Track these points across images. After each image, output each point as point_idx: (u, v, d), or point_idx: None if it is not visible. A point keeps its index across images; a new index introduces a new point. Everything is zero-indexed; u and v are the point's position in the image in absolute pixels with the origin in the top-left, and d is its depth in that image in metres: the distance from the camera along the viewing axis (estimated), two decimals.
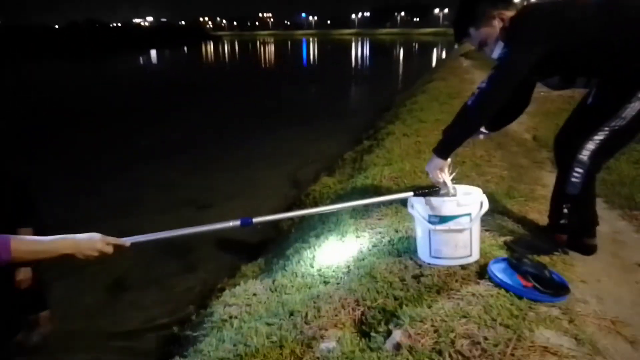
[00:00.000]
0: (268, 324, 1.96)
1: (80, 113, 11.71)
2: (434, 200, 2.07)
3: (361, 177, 3.85)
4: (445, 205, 2.04)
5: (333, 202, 3.88)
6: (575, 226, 2.23)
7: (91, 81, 21.10)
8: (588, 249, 2.27)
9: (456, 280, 1.99)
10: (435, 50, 36.35)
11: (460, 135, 2.14)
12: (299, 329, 1.86)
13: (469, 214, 2.04)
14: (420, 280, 2.03)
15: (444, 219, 2.04)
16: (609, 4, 2.04)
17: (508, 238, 2.40)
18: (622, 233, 2.61)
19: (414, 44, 58.61)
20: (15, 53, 37.99)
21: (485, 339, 1.60)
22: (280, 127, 9.46)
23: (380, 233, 2.61)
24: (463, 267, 2.10)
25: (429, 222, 2.07)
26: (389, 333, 1.73)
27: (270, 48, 59.27)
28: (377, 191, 3.39)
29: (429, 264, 2.15)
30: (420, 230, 2.17)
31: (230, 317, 2.21)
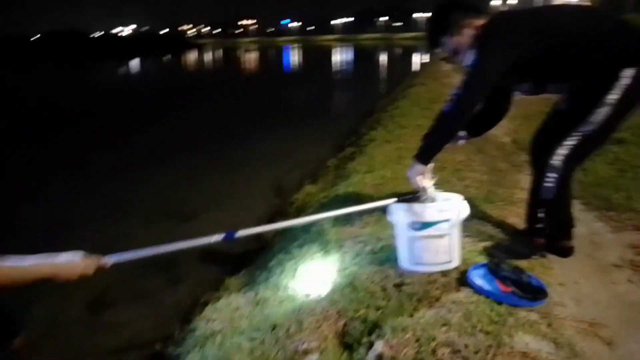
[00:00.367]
0: (250, 339, 1.95)
1: (56, 124, 11.59)
2: (414, 206, 2.09)
3: (343, 185, 3.86)
4: (425, 211, 2.06)
5: (316, 211, 3.88)
6: (551, 229, 2.27)
7: (65, 94, 20.88)
8: (565, 252, 2.31)
9: (437, 288, 2.01)
10: (416, 54, 36.63)
11: (439, 141, 2.16)
12: (282, 344, 1.85)
13: (449, 220, 2.06)
14: (402, 288, 2.04)
15: (424, 225, 2.06)
16: (578, 11, 2.10)
17: (488, 243, 2.43)
18: (598, 234, 2.66)
19: (396, 49, 59.00)
20: None
21: (466, 346, 1.62)
22: (266, 133, 9.44)
23: (362, 242, 2.62)
24: (444, 273, 2.12)
25: (410, 228, 2.08)
26: (371, 344, 1.73)
27: (254, 55, 59.25)
28: (359, 199, 3.40)
29: (410, 271, 2.16)
30: (401, 237, 2.18)
31: (213, 333, 2.20)
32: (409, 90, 9.97)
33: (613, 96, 1.89)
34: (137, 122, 11.43)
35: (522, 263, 2.20)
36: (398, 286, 2.06)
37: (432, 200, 2.15)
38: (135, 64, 43.87)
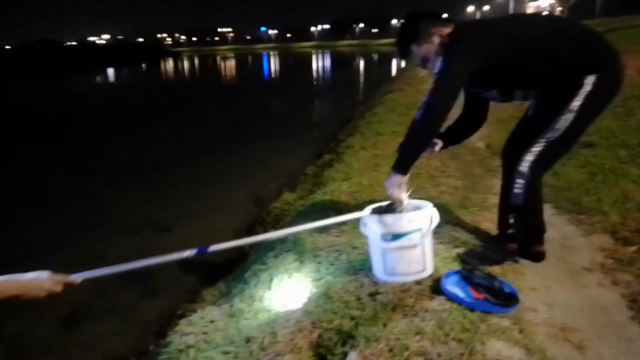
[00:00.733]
0: (224, 353, 1.92)
1: (31, 137, 11.37)
2: (385, 218, 2.09)
3: (320, 193, 3.86)
4: (396, 222, 2.06)
5: (293, 219, 3.86)
6: (523, 235, 2.30)
7: (39, 106, 20.50)
8: (537, 257, 2.34)
9: (411, 296, 2.01)
10: (394, 60, 36.99)
11: (414, 150, 2.16)
12: (255, 357, 1.83)
13: (420, 229, 2.07)
14: (376, 298, 2.04)
15: (395, 237, 2.06)
16: (542, 20, 2.14)
17: (461, 250, 2.44)
18: (570, 238, 2.70)
19: (373, 55, 59.49)
20: None
21: (439, 355, 1.62)
22: (245, 141, 9.41)
23: (338, 250, 2.61)
24: (418, 281, 2.13)
25: (382, 240, 2.09)
26: (345, 355, 1.72)
27: (231, 63, 59.08)
28: (336, 207, 3.40)
29: (384, 281, 2.16)
30: (374, 249, 2.18)
31: (187, 347, 2.16)
32: (386, 97, 10.05)
33: (576, 103, 1.93)
34: (112, 134, 11.26)
35: (495, 269, 2.22)
36: (372, 295, 2.06)
37: (406, 210, 2.16)
38: (110, 73, 43.32)
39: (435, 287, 2.06)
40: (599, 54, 1.98)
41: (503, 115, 6.01)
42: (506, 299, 1.90)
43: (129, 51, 78.54)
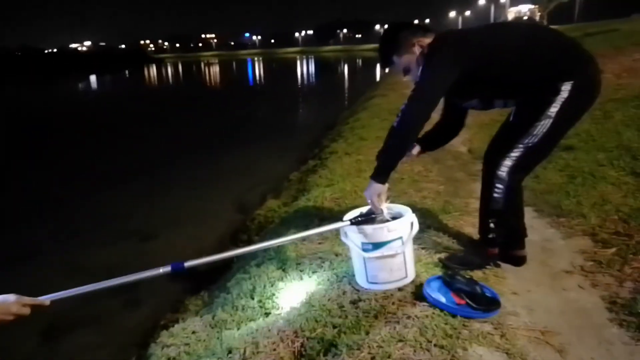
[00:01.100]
0: None
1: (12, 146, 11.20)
2: (366, 227, 2.09)
3: (304, 200, 3.85)
4: (376, 232, 2.06)
5: (277, 226, 3.85)
6: (504, 239, 2.31)
7: (21, 114, 20.21)
8: (518, 261, 2.35)
9: (393, 303, 2.01)
10: (378, 65, 37.22)
11: (392, 157, 2.15)
12: None
13: (401, 237, 2.07)
14: (359, 305, 2.03)
15: (376, 246, 2.06)
16: (520, 29, 2.17)
17: (443, 255, 2.45)
18: (550, 241, 2.72)
19: (357, 60, 59.79)
20: None
21: None
22: (229, 148, 9.37)
23: (320, 258, 2.61)
24: (400, 288, 2.13)
25: (363, 249, 2.08)
26: None
27: (215, 69, 58.88)
28: (319, 214, 3.39)
29: (367, 289, 2.16)
30: (355, 258, 2.18)
31: (168, 359, 2.13)
32: (370, 102, 10.10)
33: (554, 109, 1.95)
34: (95, 142, 11.14)
35: (477, 273, 2.23)
36: (355, 303, 2.05)
37: (387, 219, 2.15)
38: (93, 80, 42.85)
39: (418, 293, 2.06)
40: (574, 60, 2.01)
41: (485, 120, 6.06)
42: (488, 304, 1.91)
43: (112, 58, 77.93)
